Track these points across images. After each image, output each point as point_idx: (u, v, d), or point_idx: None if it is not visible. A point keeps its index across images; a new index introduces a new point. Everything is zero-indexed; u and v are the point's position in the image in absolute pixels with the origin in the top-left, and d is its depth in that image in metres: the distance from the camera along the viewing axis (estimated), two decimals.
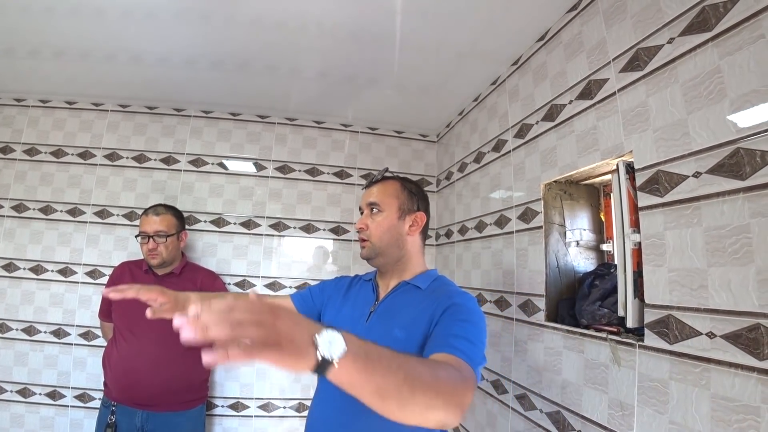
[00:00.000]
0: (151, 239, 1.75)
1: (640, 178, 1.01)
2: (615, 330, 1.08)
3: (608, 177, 1.31)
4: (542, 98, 1.45)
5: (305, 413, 2.15)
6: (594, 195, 1.46)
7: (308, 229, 2.33)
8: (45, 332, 2.10)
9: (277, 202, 2.33)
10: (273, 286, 2.25)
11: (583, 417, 1.15)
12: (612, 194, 1.36)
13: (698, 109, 0.86)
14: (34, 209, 2.21)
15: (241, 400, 2.15)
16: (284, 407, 2.16)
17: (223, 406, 2.14)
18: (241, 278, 2.24)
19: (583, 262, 1.41)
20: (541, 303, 1.38)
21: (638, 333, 1.01)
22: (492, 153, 1.80)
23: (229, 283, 2.20)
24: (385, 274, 1.15)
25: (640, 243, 1.01)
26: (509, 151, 1.65)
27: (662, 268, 0.93)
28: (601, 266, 1.36)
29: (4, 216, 2.19)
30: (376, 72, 1.85)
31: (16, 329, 2.11)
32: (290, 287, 2.25)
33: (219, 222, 2.28)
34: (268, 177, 2.35)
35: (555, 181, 1.40)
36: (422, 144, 2.53)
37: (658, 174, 0.96)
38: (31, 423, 2.05)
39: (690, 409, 0.83)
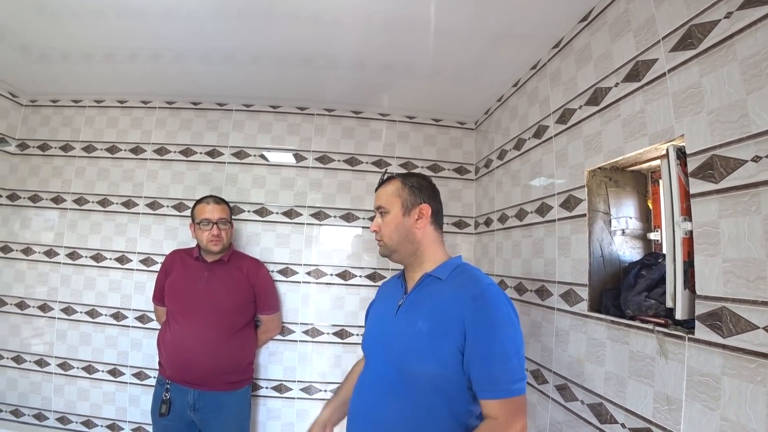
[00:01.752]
0: (215, 225, 1.85)
1: (693, 164, 0.95)
2: (662, 322, 1.04)
3: (657, 163, 1.25)
4: (586, 82, 1.39)
5: None
6: (641, 182, 1.40)
7: (348, 218, 2.37)
8: (105, 315, 2.28)
9: (318, 191, 2.38)
10: (314, 273, 2.31)
11: (626, 410, 1.12)
12: (661, 181, 1.30)
13: (759, 89, 0.81)
14: (93, 202, 2.37)
15: (284, 383, 2.24)
16: (325, 390, 2.23)
17: (267, 388, 2.24)
18: (284, 266, 2.32)
19: (628, 251, 1.36)
20: (584, 293, 1.35)
21: (688, 325, 0.97)
22: (533, 139, 1.75)
23: (273, 271, 2.28)
24: (408, 269, 1.22)
25: (691, 232, 0.96)
26: (551, 138, 1.60)
27: (716, 258, 0.88)
28: (648, 256, 1.30)
29: (67, 209, 2.38)
30: (412, 60, 1.84)
31: (81, 312, 2.30)
32: (331, 275, 2.31)
33: (262, 212, 2.36)
34: (308, 167, 2.40)
35: (599, 168, 1.34)
36: (460, 131, 2.50)
37: (712, 159, 0.90)
38: (95, 397, 2.24)
39: (744, 406, 0.79)
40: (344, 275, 2.32)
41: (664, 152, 1.07)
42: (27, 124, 2.48)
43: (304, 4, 1.49)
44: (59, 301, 2.30)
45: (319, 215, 2.36)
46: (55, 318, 2.29)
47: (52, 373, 2.26)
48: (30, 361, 2.28)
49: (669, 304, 1.02)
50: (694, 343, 0.93)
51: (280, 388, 2.24)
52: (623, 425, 1.13)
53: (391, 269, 2.31)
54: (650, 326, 1.06)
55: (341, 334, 2.27)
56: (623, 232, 1.37)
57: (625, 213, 1.38)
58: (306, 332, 2.27)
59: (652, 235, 1.36)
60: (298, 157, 2.40)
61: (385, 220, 1.18)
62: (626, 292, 1.20)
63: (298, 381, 2.24)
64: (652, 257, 1.27)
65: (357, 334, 2.27)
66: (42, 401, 2.26)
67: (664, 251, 1.23)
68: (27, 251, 2.36)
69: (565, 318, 1.45)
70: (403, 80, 2.04)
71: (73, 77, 2.20)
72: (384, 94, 2.23)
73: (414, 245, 1.16)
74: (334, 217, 2.36)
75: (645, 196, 1.40)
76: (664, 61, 1.05)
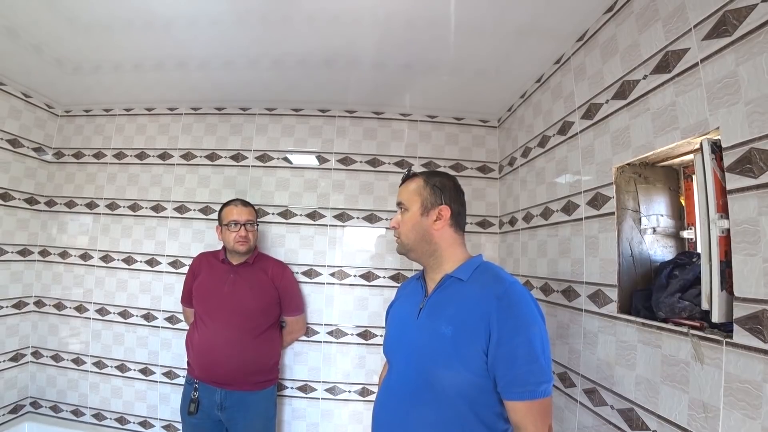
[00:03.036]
0: (242, 227, 1.88)
1: (729, 158, 0.90)
2: (697, 325, 0.99)
3: (689, 158, 1.19)
4: (612, 75, 1.34)
5: (369, 397, 2.22)
6: (673, 178, 1.34)
7: (371, 219, 2.37)
8: (137, 316, 2.36)
9: (340, 193, 2.39)
10: (338, 274, 2.32)
11: (659, 416, 1.07)
12: (695, 176, 1.24)
13: None
14: (124, 207, 2.46)
15: (309, 383, 2.26)
16: (349, 391, 2.24)
17: (292, 388, 2.26)
18: (308, 267, 2.33)
19: (660, 250, 1.30)
20: (613, 294, 1.30)
21: (725, 329, 0.91)
22: (558, 136, 1.70)
23: (297, 272, 2.30)
24: (427, 269, 1.19)
25: (728, 230, 0.91)
26: (576, 134, 1.56)
27: (756, 258, 0.83)
28: (681, 255, 1.24)
29: (100, 213, 2.48)
30: (433, 58, 1.82)
31: (114, 313, 2.38)
32: (354, 276, 2.31)
33: (286, 214, 2.39)
34: (330, 169, 2.41)
35: (628, 164, 1.29)
36: (483, 130, 2.46)
37: (750, 152, 0.85)
38: (128, 394, 2.33)
39: None
40: (368, 276, 2.32)
41: (697, 146, 1.02)
42: (62, 134, 2.59)
43: (324, 7, 1.50)
44: (94, 302, 2.40)
45: (342, 216, 2.37)
46: (90, 318, 2.39)
47: (87, 371, 2.36)
48: (67, 360, 2.38)
49: (705, 306, 0.96)
50: (732, 348, 0.87)
51: (304, 389, 2.26)
52: None
53: (414, 269, 2.29)
54: (684, 329, 1.01)
55: (365, 335, 2.27)
56: (654, 231, 1.31)
57: (656, 210, 1.32)
58: (330, 333, 2.28)
59: (686, 234, 1.30)
60: (321, 159, 2.42)
61: (404, 218, 1.17)
62: (658, 293, 1.15)
63: (322, 381, 2.26)
64: (686, 256, 1.21)
65: (381, 335, 2.26)
66: (79, 398, 2.36)
67: (699, 250, 1.17)
68: (64, 255, 2.47)
69: (593, 320, 1.41)
70: (424, 79, 2.02)
71: (104, 87, 2.29)
72: (405, 93, 2.22)
73: (431, 246, 1.14)
74: (357, 218, 2.37)
75: (677, 193, 1.34)
76: (696, 51, 1.00)
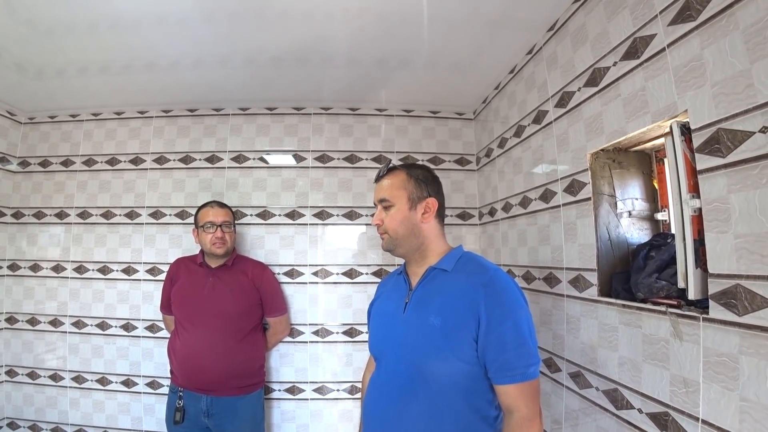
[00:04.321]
0: (219, 228, 1.85)
1: (698, 139, 0.93)
2: (675, 303, 1.02)
3: (661, 141, 1.22)
4: (583, 63, 1.36)
5: (358, 395, 2.22)
6: (645, 162, 1.37)
7: (351, 216, 2.35)
8: (116, 327, 2.29)
9: (319, 191, 2.37)
10: (320, 273, 2.30)
11: (642, 394, 1.10)
12: (666, 159, 1.27)
13: (763, 57, 0.78)
14: (96, 215, 2.38)
15: (296, 384, 2.24)
16: (338, 390, 2.23)
17: (280, 390, 2.24)
18: (290, 267, 2.31)
19: (636, 233, 1.34)
20: (593, 278, 1.33)
21: (701, 305, 0.94)
22: (533, 125, 1.72)
23: (279, 273, 2.27)
24: (410, 263, 1.19)
25: (700, 209, 0.94)
26: (551, 122, 1.58)
27: (727, 235, 0.86)
28: (656, 236, 1.28)
29: (71, 223, 2.39)
30: (407, 53, 1.82)
31: (91, 325, 2.31)
32: (337, 274, 2.30)
33: (264, 215, 2.35)
34: (308, 167, 2.39)
35: (602, 150, 1.32)
36: (459, 122, 2.47)
37: (718, 133, 0.88)
38: (110, 408, 2.26)
39: (764, 385, 0.77)
40: (350, 273, 2.31)
41: (667, 129, 1.05)
42: (27, 142, 2.49)
43: (295, 2, 1.47)
44: (69, 315, 2.32)
45: (322, 215, 2.35)
46: (66, 332, 2.31)
47: (66, 387, 2.28)
48: (44, 376, 2.30)
49: (681, 284, 0.99)
50: (708, 323, 0.90)
51: (292, 390, 2.24)
52: (640, 410, 1.11)
53: (397, 264, 2.29)
54: (663, 308, 1.04)
55: (351, 332, 2.26)
56: (630, 214, 1.34)
57: (631, 194, 1.35)
58: (315, 333, 2.26)
59: (660, 216, 1.33)
60: (298, 158, 2.39)
61: (389, 214, 1.14)
62: (636, 275, 1.17)
63: (310, 382, 2.24)
64: (661, 238, 1.24)
65: (366, 332, 2.25)
66: (59, 415, 2.28)
67: (673, 231, 1.20)
68: (35, 268, 2.38)
69: (575, 304, 1.43)
70: (399, 73, 2.02)
71: (69, 92, 2.21)
72: (381, 89, 2.21)
73: (419, 239, 1.14)
74: (337, 215, 2.35)
75: (650, 177, 1.38)
76: (663, 36, 1.03)
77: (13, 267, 2.39)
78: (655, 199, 1.36)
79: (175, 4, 1.48)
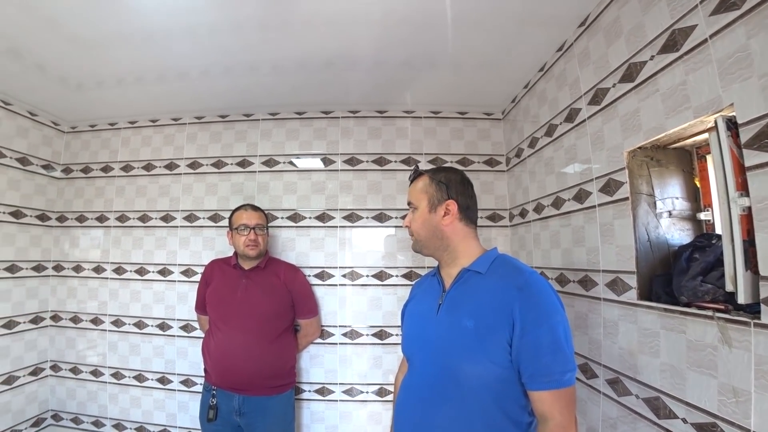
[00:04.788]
0: (252, 231, 1.88)
1: (746, 134, 0.88)
2: (722, 307, 0.96)
3: (703, 137, 1.16)
4: (618, 58, 1.32)
5: (387, 397, 2.21)
6: (686, 159, 1.31)
7: (380, 218, 2.35)
8: (152, 326, 2.37)
9: (349, 194, 2.38)
10: (350, 275, 2.31)
11: (687, 403, 1.05)
12: (710, 156, 1.22)
13: None
14: (133, 218, 2.48)
15: (326, 385, 2.25)
16: (367, 392, 2.23)
17: (310, 391, 2.26)
18: (320, 269, 2.33)
19: (677, 233, 1.28)
20: (631, 280, 1.27)
21: (752, 310, 0.89)
22: (565, 124, 1.68)
23: (309, 275, 2.29)
24: (443, 265, 1.19)
25: (749, 207, 0.89)
26: (584, 120, 1.53)
27: None
28: (699, 237, 1.22)
29: (110, 226, 2.50)
30: (432, 54, 1.81)
31: (129, 324, 2.40)
32: (366, 276, 2.30)
33: (295, 217, 2.38)
34: (337, 170, 2.40)
35: (639, 148, 1.27)
36: (487, 123, 2.44)
37: None
38: (146, 404, 2.34)
39: None
40: (380, 276, 2.31)
41: (711, 124, 1.00)
42: (69, 150, 2.62)
43: (319, 9, 1.49)
44: (109, 314, 2.42)
45: (352, 217, 2.36)
46: (106, 330, 2.41)
47: (106, 382, 2.38)
48: (86, 372, 2.41)
49: (729, 287, 0.94)
50: (761, 329, 0.85)
51: (322, 391, 2.25)
52: (684, 420, 1.06)
53: (427, 267, 2.28)
54: (709, 312, 0.98)
55: (380, 334, 2.26)
56: (670, 214, 1.29)
57: (671, 193, 1.29)
58: (345, 334, 2.27)
59: (703, 215, 1.27)
60: (327, 161, 2.41)
61: (414, 216, 1.19)
62: (679, 278, 1.12)
63: (339, 383, 2.25)
64: (705, 238, 1.18)
65: (396, 335, 2.25)
66: (99, 409, 2.38)
67: (718, 231, 1.14)
68: (77, 269, 2.49)
69: (612, 308, 1.38)
70: (425, 75, 2.01)
71: (107, 102, 2.30)
72: (407, 91, 2.20)
73: (443, 241, 1.15)
74: (367, 218, 2.36)
75: (691, 175, 1.31)
76: (704, 27, 0.98)
77: (58, 268, 2.51)
78: (697, 198, 1.30)
79: (205, 15, 1.52)
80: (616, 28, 1.32)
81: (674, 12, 1.07)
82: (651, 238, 1.26)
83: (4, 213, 2.22)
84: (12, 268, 2.26)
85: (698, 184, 1.30)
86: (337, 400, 2.24)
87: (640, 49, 1.21)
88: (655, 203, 1.28)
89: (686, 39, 1.04)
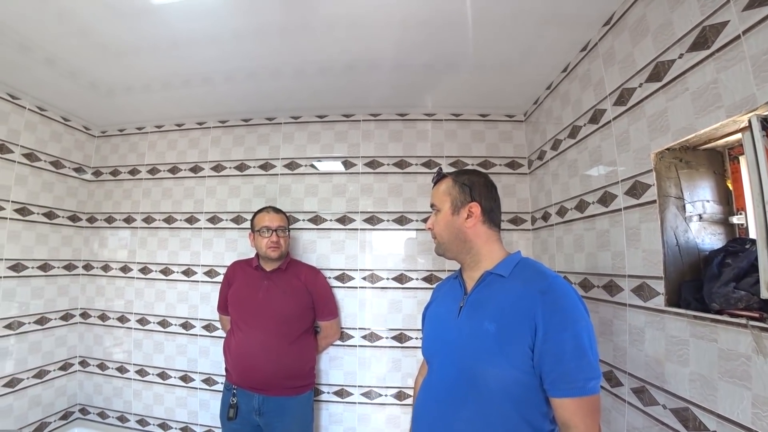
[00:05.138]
0: (274, 233, 1.91)
1: None
2: (757, 315, 0.92)
3: (736, 137, 1.12)
4: (644, 57, 1.28)
5: (406, 401, 2.20)
6: (717, 160, 1.26)
7: (401, 221, 2.35)
8: (175, 325, 2.43)
9: (369, 196, 2.39)
10: (370, 278, 2.31)
11: (718, 415, 1.00)
12: (743, 157, 1.17)
13: None
14: (159, 220, 2.54)
15: (345, 387, 2.25)
16: (385, 395, 2.22)
17: (328, 393, 2.26)
18: (340, 272, 2.34)
19: (708, 238, 1.22)
20: (659, 286, 1.23)
21: None
22: (589, 125, 1.64)
23: (330, 277, 2.31)
24: (465, 268, 1.18)
25: None
26: (609, 121, 1.49)
27: None
28: (732, 242, 1.16)
29: (137, 227, 2.57)
30: (453, 56, 1.80)
31: (153, 322, 2.46)
32: (386, 278, 2.30)
33: (316, 220, 2.40)
34: (358, 173, 2.41)
35: (668, 149, 1.22)
36: (509, 125, 2.41)
37: None
38: (169, 401, 2.39)
39: None
40: (400, 278, 2.30)
41: (745, 124, 0.96)
42: (100, 153, 2.71)
43: (340, 13, 1.50)
44: (135, 313, 2.49)
45: (372, 220, 2.36)
46: (131, 328, 2.47)
47: (131, 379, 2.44)
48: (112, 368, 2.48)
49: (764, 294, 0.90)
50: None
51: (341, 393, 2.26)
52: None
53: (447, 270, 2.26)
54: (743, 321, 0.94)
55: (400, 337, 2.25)
56: (700, 218, 1.24)
57: (701, 196, 1.24)
58: (364, 337, 2.27)
59: (736, 219, 1.21)
60: (348, 164, 2.43)
61: (437, 219, 1.18)
62: (710, 284, 1.07)
63: (358, 386, 2.25)
64: (738, 243, 1.13)
65: (416, 338, 2.24)
66: (124, 404, 2.44)
67: (753, 235, 1.09)
68: (105, 268, 2.57)
69: (638, 314, 1.34)
70: (446, 77, 2.00)
71: (135, 107, 2.38)
72: (428, 93, 2.20)
73: (466, 244, 1.14)
74: (387, 221, 2.35)
75: (723, 176, 1.26)
76: (737, 23, 0.94)
77: (87, 267, 2.60)
78: (729, 201, 1.25)
79: (229, 21, 1.56)
80: (643, 26, 1.29)
81: (704, 8, 1.04)
82: (680, 242, 1.22)
83: (38, 214, 2.32)
84: (45, 267, 2.35)
85: (730, 187, 1.25)
86: (355, 403, 2.24)
87: (668, 48, 1.18)
88: (684, 206, 1.24)
89: (717, 36, 1.00)
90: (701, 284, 1.12)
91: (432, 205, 1.21)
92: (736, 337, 0.96)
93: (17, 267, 2.19)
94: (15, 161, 2.18)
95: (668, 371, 1.19)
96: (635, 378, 1.35)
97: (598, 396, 0.93)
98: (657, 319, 1.24)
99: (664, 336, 1.21)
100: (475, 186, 1.16)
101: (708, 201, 1.24)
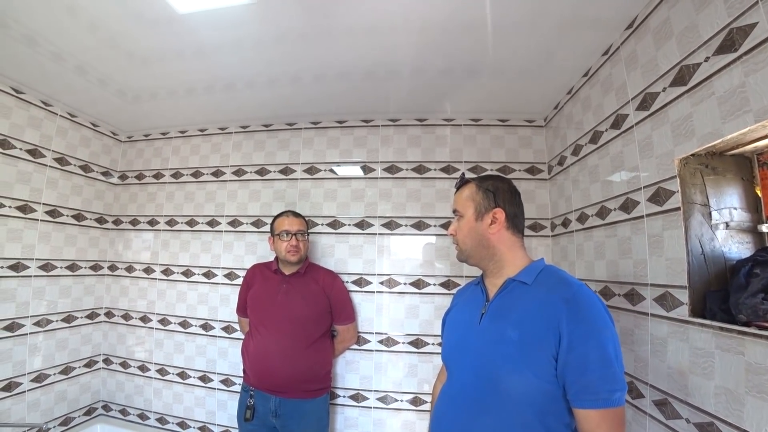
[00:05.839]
0: (293, 236, 1.93)
1: None
2: None
3: (765, 143, 1.08)
4: (668, 61, 1.25)
5: (422, 407, 2.18)
6: (745, 167, 1.22)
7: (419, 226, 2.35)
8: (196, 326, 2.48)
9: (388, 201, 2.39)
10: (387, 283, 2.31)
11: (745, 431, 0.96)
12: None
13: None
14: (181, 223, 2.61)
15: (361, 392, 2.25)
16: (401, 400, 2.21)
17: (344, 397, 2.27)
18: (358, 276, 2.35)
19: (735, 247, 1.18)
20: (683, 296, 1.20)
21: None
22: (611, 131, 1.61)
23: (347, 281, 2.32)
24: (487, 274, 1.17)
25: None
26: (631, 126, 1.46)
27: None
28: (761, 251, 1.12)
29: (160, 230, 2.64)
30: (472, 61, 1.79)
31: (174, 323, 2.52)
32: (404, 284, 2.29)
33: (335, 224, 2.42)
34: (377, 178, 2.42)
35: (693, 155, 1.19)
36: (529, 130, 2.38)
37: None
38: (188, 400, 2.44)
39: None
40: (418, 284, 2.29)
41: None
42: (126, 158, 2.80)
43: (360, 19, 1.52)
44: (156, 313, 2.55)
45: (390, 225, 2.37)
46: (153, 328, 2.54)
47: (152, 377, 2.50)
48: (134, 367, 2.54)
49: None
50: None
51: (357, 397, 2.26)
52: None
53: (465, 276, 2.24)
54: None
55: (416, 343, 2.24)
56: (727, 226, 1.20)
57: (728, 203, 1.20)
58: (381, 342, 2.27)
59: (765, 227, 1.17)
60: (367, 169, 2.44)
61: (459, 225, 1.17)
62: (737, 294, 1.04)
63: (374, 390, 2.24)
64: (767, 252, 1.09)
65: (432, 344, 2.22)
66: (144, 402, 2.50)
67: None
68: (129, 269, 2.65)
69: (661, 324, 1.30)
70: (466, 82, 1.99)
71: (160, 113, 2.45)
72: (447, 98, 2.19)
73: (489, 250, 1.13)
74: (405, 226, 2.35)
75: (751, 183, 1.22)
76: (766, 24, 0.91)
77: (112, 268, 2.68)
78: (758, 208, 1.20)
79: (250, 29, 1.59)
80: (667, 29, 1.26)
81: (732, 10, 1.01)
82: (705, 250, 1.18)
83: (67, 216, 2.40)
84: (72, 267, 2.43)
85: (759, 194, 1.20)
86: (371, 407, 2.24)
87: (693, 51, 1.15)
88: (710, 214, 1.20)
89: (745, 38, 0.97)
90: (727, 294, 1.09)
91: (454, 211, 1.20)
92: (764, 351, 0.92)
93: (47, 267, 2.27)
94: (47, 165, 2.27)
95: (692, 384, 1.15)
96: (657, 390, 1.31)
97: (623, 408, 0.90)
98: (680, 330, 1.20)
99: (688, 347, 1.17)
100: (499, 191, 1.15)
101: (735, 208, 1.20)
